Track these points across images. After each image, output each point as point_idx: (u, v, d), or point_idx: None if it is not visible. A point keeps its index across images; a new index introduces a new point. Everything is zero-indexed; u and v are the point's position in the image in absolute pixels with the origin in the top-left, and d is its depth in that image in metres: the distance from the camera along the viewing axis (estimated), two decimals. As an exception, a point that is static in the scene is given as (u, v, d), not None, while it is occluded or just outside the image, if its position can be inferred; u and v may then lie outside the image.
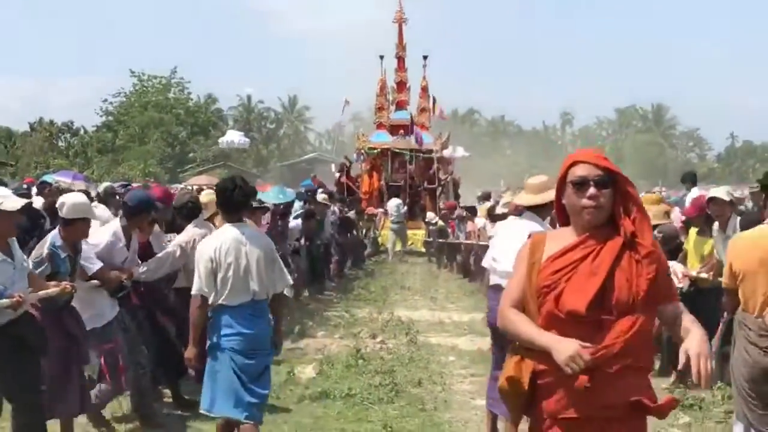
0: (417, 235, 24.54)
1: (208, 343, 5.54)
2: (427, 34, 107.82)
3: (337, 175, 27.59)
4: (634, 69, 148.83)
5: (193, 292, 5.53)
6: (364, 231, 22.09)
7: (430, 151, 26.88)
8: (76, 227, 6.02)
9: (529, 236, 3.44)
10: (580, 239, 3.24)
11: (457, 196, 26.92)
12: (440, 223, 21.21)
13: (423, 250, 23.79)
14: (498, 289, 5.83)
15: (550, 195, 5.53)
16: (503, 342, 5.89)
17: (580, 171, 3.22)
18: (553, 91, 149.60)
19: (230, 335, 5.44)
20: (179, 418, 7.22)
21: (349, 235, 19.16)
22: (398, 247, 23.36)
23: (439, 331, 12.12)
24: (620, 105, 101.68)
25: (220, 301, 5.47)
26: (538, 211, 6.07)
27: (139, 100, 70.01)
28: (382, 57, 29.13)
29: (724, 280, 5.55)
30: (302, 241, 14.03)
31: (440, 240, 21.12)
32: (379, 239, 23.57)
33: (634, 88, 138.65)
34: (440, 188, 27.10)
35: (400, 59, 29.26)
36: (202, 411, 5.65)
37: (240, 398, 5.43)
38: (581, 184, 3.20)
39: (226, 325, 5.46)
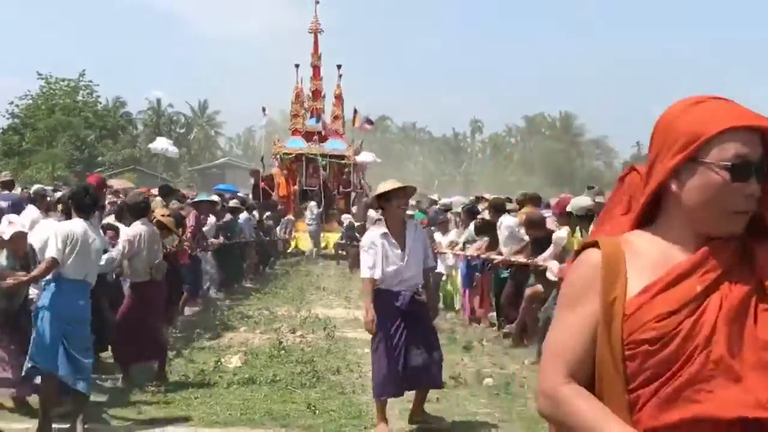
0: (329, 238, 25.28)
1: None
2: (341, 42, 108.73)
3: (252, 180, 28.12)
4: (542, 77, 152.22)
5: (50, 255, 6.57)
6: (283, 234, 22.84)
7: (344, 157, 27.83)
8: None
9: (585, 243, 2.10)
10: (699, 256, 1.94)
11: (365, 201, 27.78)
12: (356, 224, 21.93)
13: (333, 252, 24.50)
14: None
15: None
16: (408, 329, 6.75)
17: (739, 146, 1.88)
18: (463, 98, 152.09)
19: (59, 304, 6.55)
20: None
21: (267, 237, 19.80)
22: (310, 247, 24.17)
23: (355, 326, 12.75)
24: (529, 113, 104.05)
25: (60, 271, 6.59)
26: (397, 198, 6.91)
27: (46, 103, 68.70)
28: (297, 66, 30.03)
29: None
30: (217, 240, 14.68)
31: (354, 243, 21.82)
32: (292, 242, 24.23)
33: (542, 96, 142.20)
34: (354, 193, 27.92)
35: (316, 68, 30.21)
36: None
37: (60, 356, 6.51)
38: (742, 170, 1.88)
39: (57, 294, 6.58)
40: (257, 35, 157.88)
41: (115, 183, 35.09)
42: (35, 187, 15.71)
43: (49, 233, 6.78)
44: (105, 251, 7.65)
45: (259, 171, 28.41)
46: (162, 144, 36.08)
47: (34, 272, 6.66)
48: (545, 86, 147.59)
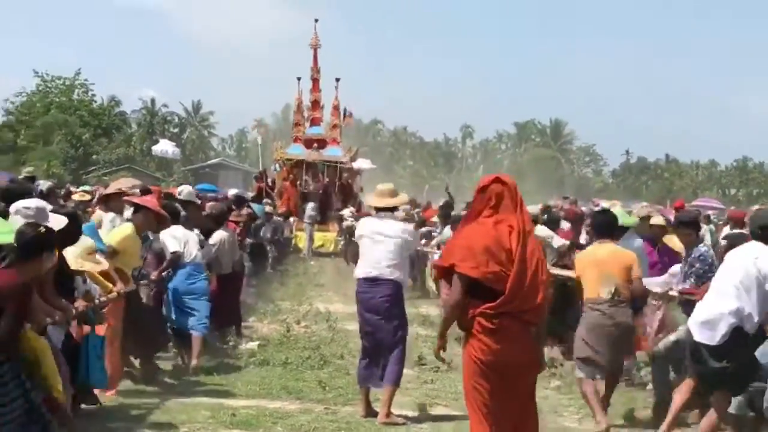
0: (327, 237, 26.83)
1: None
2: (337, 46, 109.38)
3: (256, 183, 29.83)
4: (533, 85, 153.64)
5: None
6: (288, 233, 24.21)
7: (341, 163, 29.72)
8: None
9: None
10: None
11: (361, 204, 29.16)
12: (354, 223, 22.98)
13: (331, 249, 25.81)
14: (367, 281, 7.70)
15: (400, 199, 7.93)
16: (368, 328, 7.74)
17: None
18: (454, 104, 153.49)
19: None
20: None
21: (279, 236, 21.08)
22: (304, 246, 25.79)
23: (354, 320, 13.66)
24: (519, 119, 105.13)
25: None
26: (387, 211, 7.82)
27: (41, 101, 69.37)
28: (299, 78, 31.79)
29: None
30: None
31: (352, 238, 22.88)
32: (293, 241, 25.44)
33: (532, 103, 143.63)
34: (350, 196, 29.37)
35: (315, 81, 31.80)
36: None
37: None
38: None
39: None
40: (251, 37, 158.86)
41: (124, 182, 35.95)
42: (47, 184, 16.64)
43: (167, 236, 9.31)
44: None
45: (264, 175, 29.89)
46: (164, 146, 37.20)
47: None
48: (536, 93, 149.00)
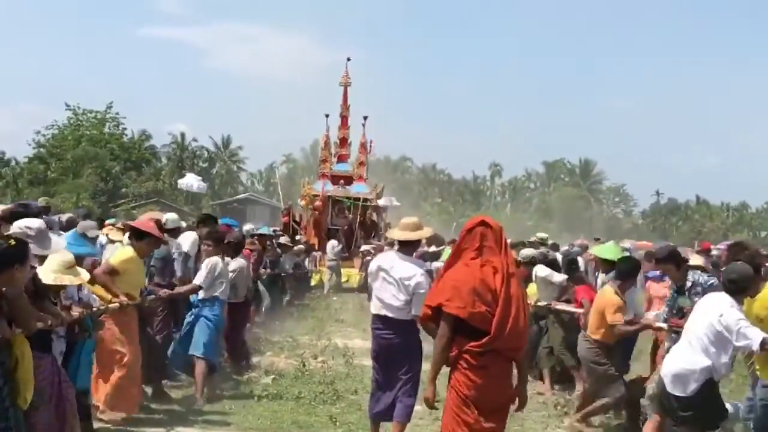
0: (351, 274, 26.76)
1: None
2: (367, 83, 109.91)
3: (284, 219, 29.80)
4: (562, 124, 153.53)
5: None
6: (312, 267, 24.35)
7: (367, 200, 29.92)
8: None
9: None
10: None
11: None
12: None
13: (355, 285, 25.75)
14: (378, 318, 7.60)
15: (423, 233, 7.79)
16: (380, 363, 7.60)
17: None
18: (484, 142, 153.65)
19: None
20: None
21: (300, 270, 21.24)
22: (332, 282, 25.57)
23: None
24: (548, 158, 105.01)
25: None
26: (408, 246, 7.73)
27: (73, 134, 70.20)
28: (327, 115, 31.97)
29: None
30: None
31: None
32: (317, 276, 25.48)
33: (562, 142, 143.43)
34: (374, 232, 29.38)
35: (344, 118, 32.18)
36: None
37: None
38: None
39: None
40: (282, 73, 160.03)
41: (155, 215, 36.21)
42: (66, 215, 16.81)
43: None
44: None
45: (291, 210, 30.19)
46: (190, 180, 37.48)
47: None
48: (565, 132, 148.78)
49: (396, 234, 7.90)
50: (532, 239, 16.14)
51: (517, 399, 5.73)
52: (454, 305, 5.41)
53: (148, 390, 9.39)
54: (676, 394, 6.72)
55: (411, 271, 7.49)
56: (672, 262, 8.39)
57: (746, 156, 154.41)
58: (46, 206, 15.86)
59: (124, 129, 74.55)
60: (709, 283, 8.11)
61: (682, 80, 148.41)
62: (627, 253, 10.90)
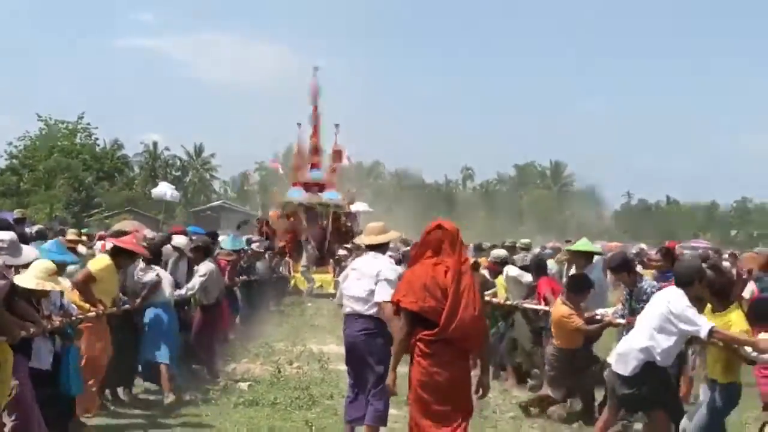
0: (325, 279, 26.93)
1: None
2: (338, 89, 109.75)
3: (257, 226, 30.04)
4: (534, 127, 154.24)
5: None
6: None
7: (339, 206, 30.09)
8: None
9: None
10: None
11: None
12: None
13: (330, 290, 25.99)
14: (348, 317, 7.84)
15: (389, 236, 8.06)
16: (352, 365, 7.82)
17: None
18: (456, 146, 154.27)
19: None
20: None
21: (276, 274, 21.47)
22: (305, 287, 25.96)
23: (346, 360, 13.82)
24: (520, 161, 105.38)
25: None
26: (377, 249, 7.96)
27: (44, 145, 69.83)
28: (299, 124, 32.36)
29: None
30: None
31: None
32: (292, 281, 25.70)
33: (533, 145, 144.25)
34: (349, 239, 29.67)
35: (315, 126, 32.32)
36: None
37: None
38: None
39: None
40: (253, 81, 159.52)
41: (129, 225, 36.10)
42: (36, 227, 16.86)
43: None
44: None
45: (266, 220, 30.48)
46: (163, 189, 37.38)
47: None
48: (535, 135, 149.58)
49: (363, 239, 8.23)
50: (517, 244, 16.50)
51: (481, 389, 6.27)
52: (408, 300, 6.09)
53: (125, 398, 9.61)
54: (619, 372, 7.20)
55: (379, 264, 7.73)
56: (623, 269, 8.97)
57: (715, 157, 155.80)
58: (22, 217, 16.08)
59: (96, 139, 74.29)
60: (655, 289, 8.52)
61: (651, 82, 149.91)
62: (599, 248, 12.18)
